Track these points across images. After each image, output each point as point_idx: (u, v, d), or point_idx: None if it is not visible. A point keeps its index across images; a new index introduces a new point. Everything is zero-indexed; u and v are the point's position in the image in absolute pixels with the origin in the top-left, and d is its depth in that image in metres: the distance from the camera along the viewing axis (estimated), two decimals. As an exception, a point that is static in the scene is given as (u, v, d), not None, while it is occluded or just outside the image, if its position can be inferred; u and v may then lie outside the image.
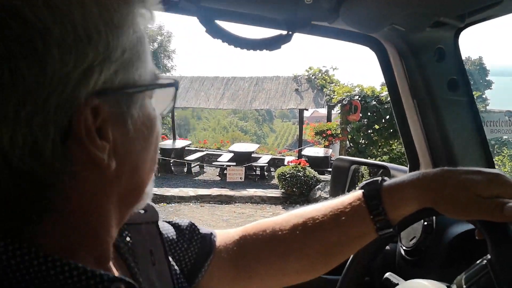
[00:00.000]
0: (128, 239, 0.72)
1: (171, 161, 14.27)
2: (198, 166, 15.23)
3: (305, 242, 0.90)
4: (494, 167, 1.51)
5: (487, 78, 35.25)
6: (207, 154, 16.25)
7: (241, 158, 13.98)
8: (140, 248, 0.73)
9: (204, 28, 1.13)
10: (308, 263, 0.90)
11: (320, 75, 15.70)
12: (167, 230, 0.88)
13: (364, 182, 0.91)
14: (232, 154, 14.46)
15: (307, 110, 15.48)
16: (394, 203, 0.85)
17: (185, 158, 14.84)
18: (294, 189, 10.86)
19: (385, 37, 1.42)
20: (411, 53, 1.42)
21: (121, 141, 0.56)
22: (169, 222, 0.91)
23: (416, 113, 1.49)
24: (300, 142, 15.56)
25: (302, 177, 10.86)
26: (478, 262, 0.88)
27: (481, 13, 1.24)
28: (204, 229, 0.95)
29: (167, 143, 15.02)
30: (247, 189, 11.59)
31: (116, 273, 0.64)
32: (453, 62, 1.42)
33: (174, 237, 0.88)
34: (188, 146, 16.44)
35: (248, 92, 16.10)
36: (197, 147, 17.92)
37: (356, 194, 0.89)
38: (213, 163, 14.60)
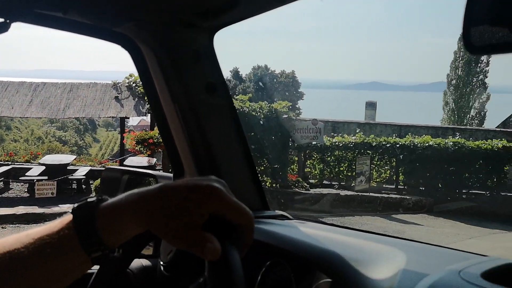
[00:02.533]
0: None
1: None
2: (2, 182, 13.45)
3: (1, 283, 0.71)
4: (255, 170, 1.51)
5: (299, 90, 38.96)
6: (13, 168, 14.46)
7: (54, 171, 12.77)
8: None
9: None
10: None
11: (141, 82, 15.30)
12: None
13: (76, 204, 0.75)
14: (43, 167, 13.13)
15: (128, 118, 14.94)
16: (112, 228, 0.73)
17: (-17, 174, 12.97)
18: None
19: (137, 35, 1.31)
20: (167, 54, 1.34)
21: None
22: None
23: (177, 117, 1.42)
24: (122, 152, 14.94)
25: (121, 189, 10.37)
26: (201, 280, 0.81)
27: (225, 14, 1.20)
28: None
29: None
30: (60, 205, 10.63)
31: None
32: (209, 65, 1.38)
33: None
34: (-12, 160, 14.41)
35: (61, 99, 14.85)
36: (1, 161, 15.82)
37: (65, 219, 0.74)
38: (20, 178, 13.04)
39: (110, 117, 14.92)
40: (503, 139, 17.83)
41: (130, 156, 14.82)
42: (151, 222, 0.72)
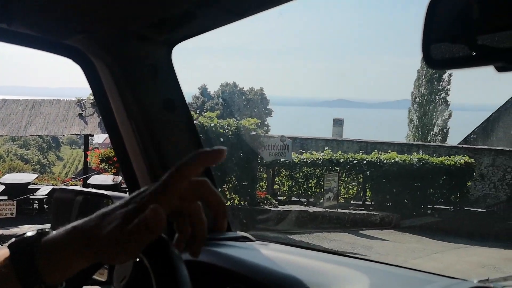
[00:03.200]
0: None
1: None
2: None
3: None
4: (214, 182, 1.45)
5: (268, 107, 39.20)
6: (-30, 188, 13.87)
7: (15, 191, 12.32)
8: None
9: None
10: None
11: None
12: None
13: (14, 239, 0.69)
14: (3, 187, 12.64)
15: (92, 136, 14.62)
16: (55, 265, 0.67)
17: None
18: (76, 221, 9.98)
19: (88, 48, 1.24)
20: (121, 68, 1.28)
21: None
22: None
23: (134, 135, 1.35)
24: (86, 170, 14.56)
25: (85, 208, 10.07)
26: None
27: (182, 28, 1.16)
28: None
29: None
30: (20, 226, 10.24)
31: None
32: (167, 80, 1.32)
33: None
34: None
35: (22, 117, 14.41)
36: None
37: (2, 255, 0.67)
38: (-23, 199, 12.51)
39: (74, 134, 14.57)
40: (465, 155, 18.35)
41: (94, 174, 14.46)
42: (98, 254, 0.67)
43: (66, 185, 15.31)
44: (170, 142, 1.35)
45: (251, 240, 1.31)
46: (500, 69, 0.63)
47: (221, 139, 11.06)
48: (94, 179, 13.42)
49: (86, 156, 14.76)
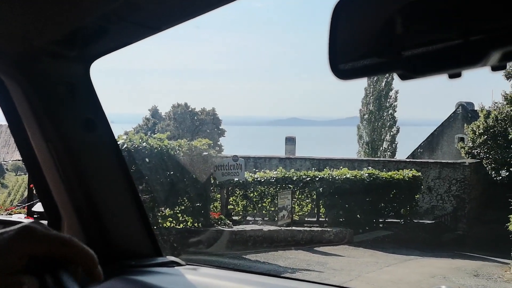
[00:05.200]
0: None
1: None
2: None
3: None
4: (145, 213, 1.38)
5: (220, 127, 39.15)
6: None
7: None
8: None
9: None
10: None
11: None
12: None
13: None
14: None
15: (37, 161, 14.03)
16: None
17: None
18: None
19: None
20: (35, 88, 1.20)
21: None
22: None
23: (51, 158, 1.26)
24: (30, 197, 13.88)
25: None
26: None
27: (97, 43, 1.10)
28: None
29: None
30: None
31: None
32: (87, 99, 1.25)
33: None
34: None
35: (-40, 143, 13.67)
36: None
37: None
38: None
39: (17, 160, 13.92)
40: (413, 169, 18.97)
41: (39, 201, 13.83)
42: None
43: (10, 214, 14.54)
44: (91, 164, 1.27)
45: (180, 265, 1.24)
46: (402, 77, 0.62)
47: (172, 161, 10.87)
48: (39, 206, 12.82)
49: (29, 182, 14.09)
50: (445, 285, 8.69)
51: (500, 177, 20.65)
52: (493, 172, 21.26)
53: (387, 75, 32.64)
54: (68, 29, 0.98)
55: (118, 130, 11.06)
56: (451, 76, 0.58)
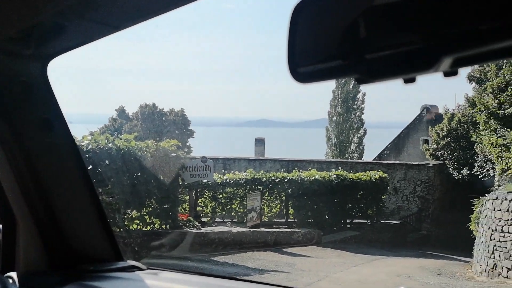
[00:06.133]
0: None
1: None
2: None
3: None
4: (105, 216, 1.35)
5: (189, 128, 38.84)
6: None
7: None
8: None
9: None
10: None
11: None
12: None
13: None
14: None
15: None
16: None
17: None
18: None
19: None
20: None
21: None
22: None
23: (6, 159, 1.22)
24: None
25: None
26: None
27: (53, 42, 1.06)
28: None
29: None
30: None
31: None
32: (44, 98, 1.21)
33: None
34: None
35: None
36: None
37: None
38: None
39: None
40: (380, 170, 19.33)
41: None
42: None
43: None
44: (48, 166, 1.23)
45: (140, 269, 1.22)
46: (359, 81, 0.62)
47: (140, 162, 10.71)
48: None
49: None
50: (404, 285, 8.87)
51: (461, 175, 21.28)
52: (455, 171, 21.89)
53: (355, 78, 33.13)
54: (23, 26, 0.95)
55: (83, 130, 10.81)
56: (406, 81, 0.58)
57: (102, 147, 9.71)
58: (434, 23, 0.51)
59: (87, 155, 9.23)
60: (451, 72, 0.53)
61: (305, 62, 0.67)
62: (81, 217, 1.28)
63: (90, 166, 9.32)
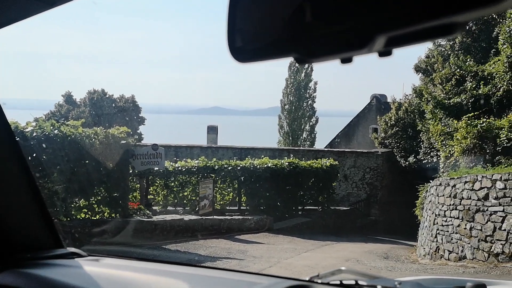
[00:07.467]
0: None
1: None
2: None
3: None
4: (43, 202, 1.29)
5: (140, 115, 38.05)
6: None
7: None
8: None
9: None
10: None
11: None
12: None
13: None
14: None
15: None
16: None
17: None
18: None
19: None
20: None
21: None
22: None
23: None
24: None
25: None
26: None
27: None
28: None
29: None
30: None
31: None
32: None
33: None
34: None
35: None
36: None
37: None
38: None
39: None
40: (331, 158, 19.75)
41: None
42: None
43: None
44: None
45: (81, 256, 1.18)
46: (298, 61, 0.62)
47: (88, 149, 10.39)
48: None
49: None
50: (345, 266, 9.16)
51: (408, 163, 22.10)
52: (402, 159, 22.70)
53: (306, 65, 33.49)
54: None
55: (27, 116, 10.33)
56: (343, 61, 0.59)
57: (47, 133, 9.34)
58: (368, 2, 0.51)
59: (31, 142, 8.85)
60: (385, 52, 0.54)
61: (244, 42, 0.66)
62: (17, 205, 1.22)
63: (35, 154, 8.95)
